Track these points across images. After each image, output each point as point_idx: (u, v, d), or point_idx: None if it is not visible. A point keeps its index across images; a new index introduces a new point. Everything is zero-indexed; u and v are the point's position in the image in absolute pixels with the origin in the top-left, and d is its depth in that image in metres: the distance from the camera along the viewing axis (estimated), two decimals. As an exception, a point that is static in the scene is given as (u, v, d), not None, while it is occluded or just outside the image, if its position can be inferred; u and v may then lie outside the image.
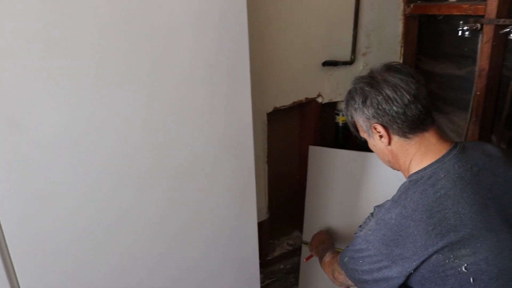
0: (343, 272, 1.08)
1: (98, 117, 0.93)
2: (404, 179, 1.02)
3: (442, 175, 0.94)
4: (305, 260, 1.59)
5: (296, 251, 1.92)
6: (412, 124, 0.98)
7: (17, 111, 0.84)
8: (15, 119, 0.84)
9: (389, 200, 0.99)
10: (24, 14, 0.80)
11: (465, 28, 1.51)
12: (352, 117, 1.09)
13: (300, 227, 1.83)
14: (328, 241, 1.46)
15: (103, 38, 0.89)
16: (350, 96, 1.07)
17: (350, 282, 1.09)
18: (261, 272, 1.80)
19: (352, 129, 1.14)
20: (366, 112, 1.02)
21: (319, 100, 1.72)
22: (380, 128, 1.02)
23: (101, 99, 0.92)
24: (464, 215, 0.90)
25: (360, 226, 1.05)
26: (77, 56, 0.87)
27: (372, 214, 1.03)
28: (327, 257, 1.25)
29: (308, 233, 1.72)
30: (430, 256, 0.89)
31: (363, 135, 1.10)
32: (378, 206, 1.02)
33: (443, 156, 0.98)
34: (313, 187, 1.75)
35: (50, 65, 0.85)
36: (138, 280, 1.11)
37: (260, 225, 1.70)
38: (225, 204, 1.20)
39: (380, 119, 1.00)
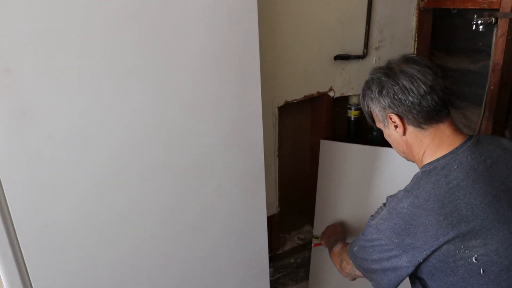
0: (351, 262, 1.09)
1: (109, 111, 0.94)
2: (416, 172, 1.02)
3: (455, 166, 0.94)
4: (313, 245, 1.59)
5: (306, 245, 1.92)
6: (427, 115, 0.98)
7: (28, 105, 0.84)
8: (26, 113, 0.85)
9: (401, 190, 1.00)
10: (37, 6, 0.81)
11: (480, 22, 1.49)
12: (368, 107, 1.09)
13: (311, 221, 1.84)
14: (341, 234, 1.47)
15: (115, 33, 0.90)
16: (367, 86, 1.08)
17: (357, 273, 1.09)
18: (271, 266, 1.82)
19: (368, 119, 1.14)
20: (382, 101, 1.03)
21: (331, 94, 1.72)
22: (395, 118, 1.02)
23: (112, 94, 0.93)
24: (475, 206, 0.90)
25: (372, 215, 1.05)
26: (89, 51, 0.88)
27: (384, 204, 1.04)
28: (337, 248, 1.26)
29: (319, 227, 1.72)
30: (441, 246, 0.90)
31: (379, 125, 1.10)
32: (391, 196, 1.02)
33: (457, 148, 0.97)
34: (324, 181, 1.75)
35: (62, 59, 0.85)
36: (147, 274, 1.12)
37: (271, 219, 1.71)
38: (234, 198, 1.21)
39: (396, 109, 1.01)
